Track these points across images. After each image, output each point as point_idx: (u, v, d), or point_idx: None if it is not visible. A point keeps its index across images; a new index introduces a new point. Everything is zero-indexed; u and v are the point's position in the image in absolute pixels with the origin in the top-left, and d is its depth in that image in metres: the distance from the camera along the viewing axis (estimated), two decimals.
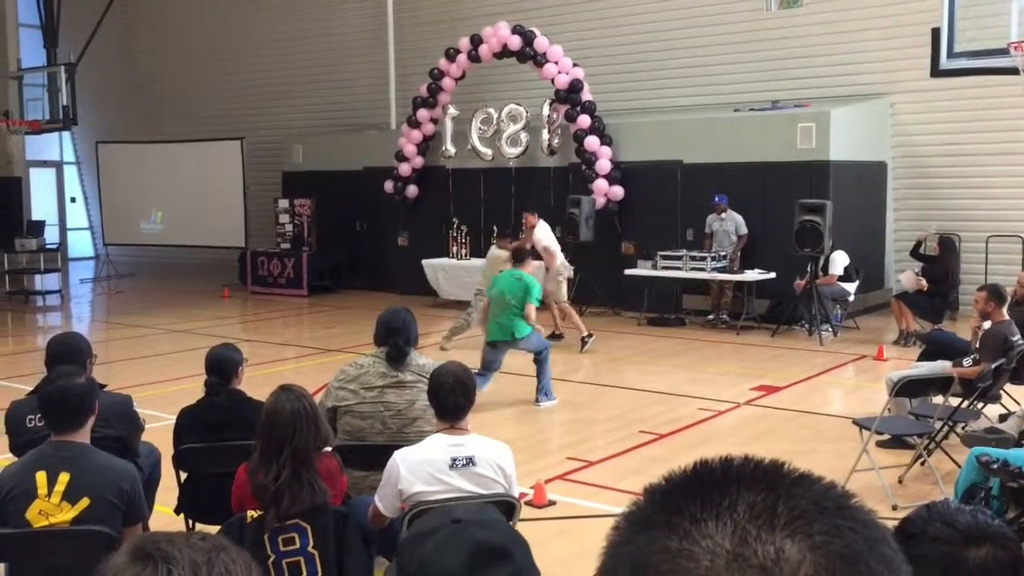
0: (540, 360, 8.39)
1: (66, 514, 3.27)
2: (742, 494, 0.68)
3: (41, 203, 21.34)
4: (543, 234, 11.27)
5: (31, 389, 4.26)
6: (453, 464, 3.60)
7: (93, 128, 20.94)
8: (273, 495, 3.20)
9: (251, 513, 3.25)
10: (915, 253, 11.43)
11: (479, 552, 1.47)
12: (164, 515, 4.72)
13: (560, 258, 11.15)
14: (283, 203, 16.72)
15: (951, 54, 9.92)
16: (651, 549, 0.68)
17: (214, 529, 3.55)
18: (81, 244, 23.09)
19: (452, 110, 14.65)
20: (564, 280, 11.18)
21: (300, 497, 3.22)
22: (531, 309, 8.30)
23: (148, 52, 21.63)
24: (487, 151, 14.42)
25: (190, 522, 4.49)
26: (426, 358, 4.66)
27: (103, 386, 4.41)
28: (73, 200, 23.18)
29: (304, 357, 11.05)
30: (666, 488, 0.72)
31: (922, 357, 7.74)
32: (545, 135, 13.85)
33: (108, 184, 18.90)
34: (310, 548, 3.27)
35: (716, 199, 12.27)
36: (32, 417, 4.08)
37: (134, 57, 21.99)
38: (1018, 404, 6.68)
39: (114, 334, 12.95)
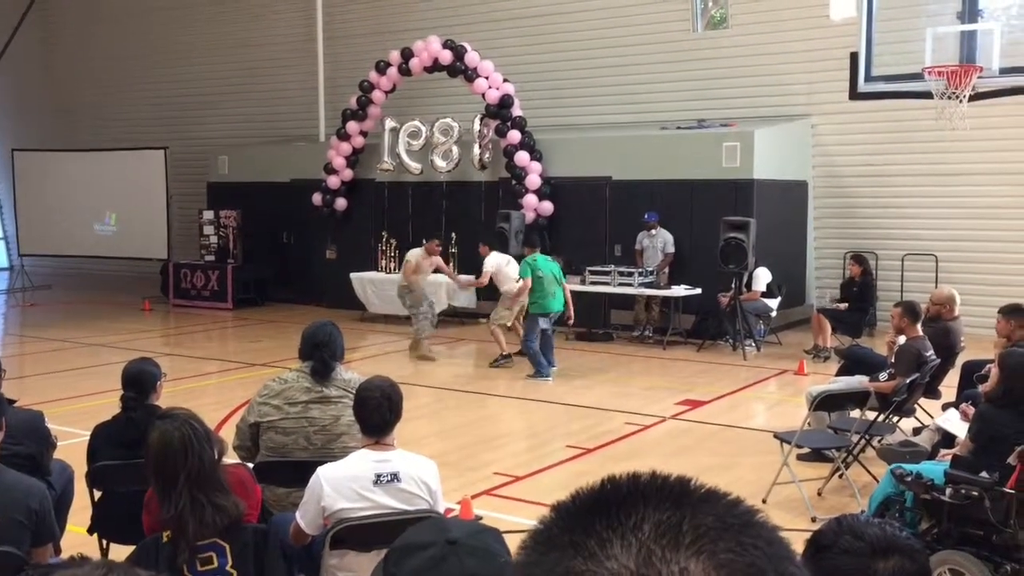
0: (551, 335, 10.31)
1: None
2: (648, 512, 0.68)
3: None
4: (489, 263, 10.97)
5: None
6: (377, 480, 3.56)
7: (9, 135, 20.29)
8: (177, 524, 3.11)
9: (167, 533, 3.16)
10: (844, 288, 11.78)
11: None
12: (77, 535, 4.57)
13: (512, 284, 10.72)
14: (208, 214, 16.39)
15: (869, 78, 10.26)
16: (556, 571, 0.67)
17: (128, 549, 3.45)
18: None
19: (391, 122, 14.54)
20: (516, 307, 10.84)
21: (204, 520, 3.13)
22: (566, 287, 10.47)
23: (68, 58, 21.06)
24: (416, 165, 14.38)
25: (104, 542, 4.35)
26: (352, 373, 4.60)
27: (12, 401, 4.26)
28: None
29: (227, 372, 10.83)
30: (573, 507, 0.71)
31: (840, 372, 7.94)
32: (476, 150, 13.87)
33: (24, 193, 18.31)
34: (228, 567, 3.20)
35: (647, 216, 12.43)
36: None
37: (53, 63, 21.39)
38: (932, 418, 6.89)
39: (28, 348, 12.53)
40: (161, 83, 19.44)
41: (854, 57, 10.37)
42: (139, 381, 4.37)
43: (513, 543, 1.35)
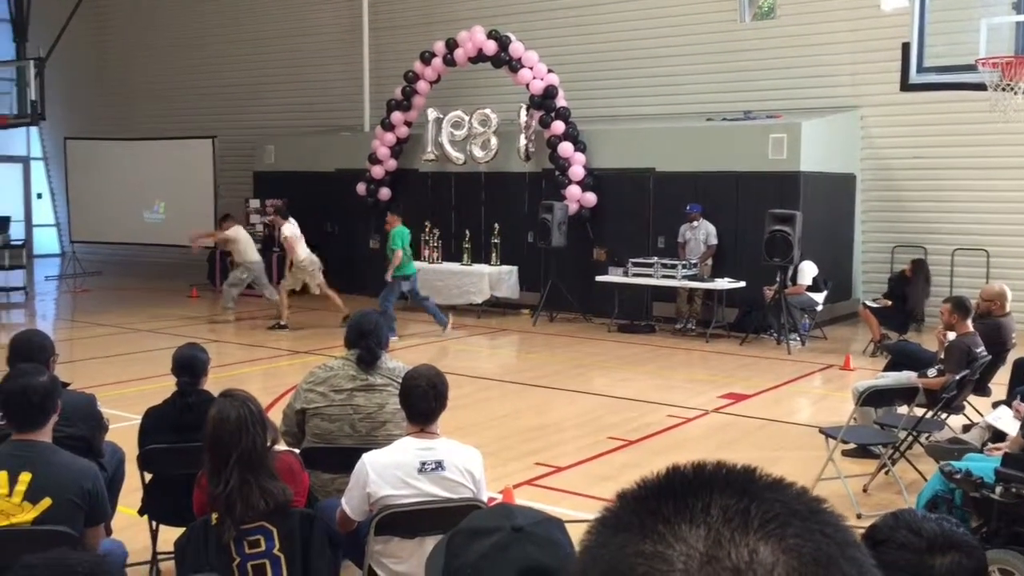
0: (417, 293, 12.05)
1: (27, 514, 3.22)
2: (715, 498, 0.69)
3: (7, 199, 21.05)
4: (290, 231, 12.68)
5: None
6: (422, 468, 3.58)
7: (62, 124, 20.68)
8: (225, 504, 3.17)
9: (215, 516, 3.22)
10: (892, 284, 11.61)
11: (527, 574, 1.46)
12: (128, 517, 4.66)
13: (304, 252, 12.63)
14: (254, 203, 16.58)
15: (920, 69, 10.05)
16: (624, 552, 0.68)
17: (178, 531, 3.51)
18: (47, 241, 22.79)
19: (434, 112, 14.59)
20: (312, 271, 12.66)
21: (251, 502, 3.18)
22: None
23: (119, 48, 21.39)
24: (459, 155, 14.41)
25: (153, 524, 4.43)
26: (397, 361, 4.64)
27: (66, 385, 4.36)
28: (40, 196, 22.88)
29: (273, 359, 10.96)
30: (639, 492, 0.72)
31: (888, 367, 7.83)
32: (522, 140, 13.85)
33: (76, 181, 18.67)
34: (276, 551, 3.25)
35: (688, 208, 12.34)
36: None
37: (105, 53, 21.74)
38: (981, 415, 6.77)
39: (79, 332, 12.78)
40: (210, 73, 19.67)
41: (906, 48, 10.15)
42: (191, 366, 4.44)
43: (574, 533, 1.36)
